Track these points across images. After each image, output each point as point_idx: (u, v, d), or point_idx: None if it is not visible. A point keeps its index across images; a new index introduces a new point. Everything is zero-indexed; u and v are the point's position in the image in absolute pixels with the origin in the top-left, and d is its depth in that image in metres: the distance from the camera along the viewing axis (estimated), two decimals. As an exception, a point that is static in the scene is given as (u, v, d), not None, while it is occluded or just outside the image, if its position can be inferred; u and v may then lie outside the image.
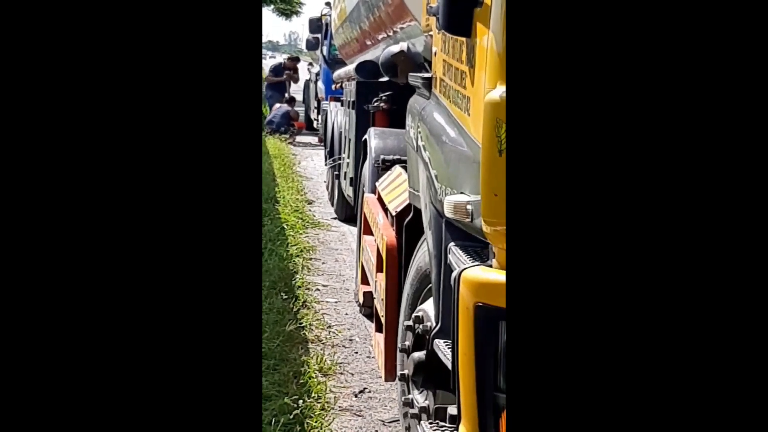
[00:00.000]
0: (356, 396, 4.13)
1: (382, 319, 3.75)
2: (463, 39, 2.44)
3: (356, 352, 4.75)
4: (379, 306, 3.92)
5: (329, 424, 3.76)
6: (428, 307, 2.82)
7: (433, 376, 2.63)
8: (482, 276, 2.11)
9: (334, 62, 12.81)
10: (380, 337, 3.83)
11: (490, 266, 2.17)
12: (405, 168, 3.71)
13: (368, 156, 5.42)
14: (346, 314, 5.43)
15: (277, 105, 15.91)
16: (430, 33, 3.14)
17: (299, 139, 15.24)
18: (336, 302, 5.69)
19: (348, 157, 7.18)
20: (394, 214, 3.73)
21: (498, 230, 2.06)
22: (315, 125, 17.05)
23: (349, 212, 7.97)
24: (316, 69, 17.80)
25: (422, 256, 3.08)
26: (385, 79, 5.29)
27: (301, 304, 5.40)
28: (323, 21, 14.72)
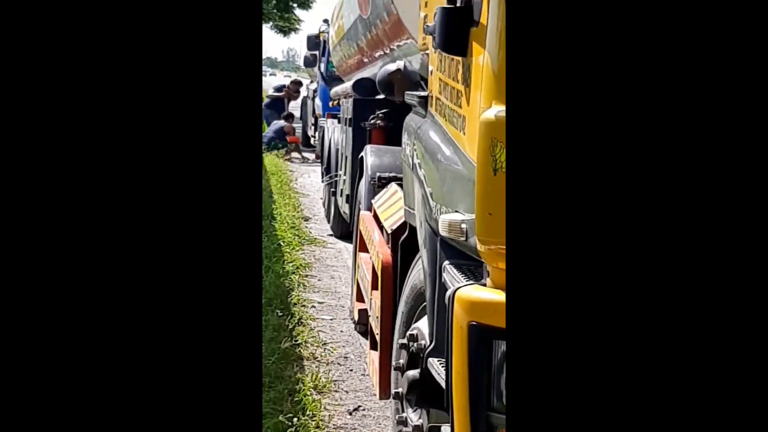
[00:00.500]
0: (350, 414, 4.12)
1: (377, 337, 3.74)
2: (459, 58, 2.45)
3: (351, 370, 4.73)
4: (374, 323, 3.91)
5: (323, 442, 3.75)
6: (423, 326, 2.81)
7: (427, 394, 2.62)
8: (476, 295, 2.11)
9: (331, 79, 12.83)
10: (375, 355, 3.82)
11: (485, 285, 2.16)
12: (401, 186, 3.72)
13: (364, 173, 5.43)
14: (342, 331, 5.42)
15: (275, 122, 15.95)
16: (427, 51, 3.15)
17: (295, 155, 15.24)
18: (331, 319, 5.68)
19: (344, 174, 7.19)
20: (389, 231, 3.73)
21: (492, 249, 2.06)
22: (312, 142, 17.05)
23: (345, 229, 7.96)
24: (313, 86, 17.85)
25: (417, 274, 3.08)
26: (382, 96, 5.31)
27: (296, 321, 5.39)
28: (321, 38, 14.75)
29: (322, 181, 9.84)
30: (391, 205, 4.02)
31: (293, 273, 6.63)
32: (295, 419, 3.81)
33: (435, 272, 2.57)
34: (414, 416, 2.91)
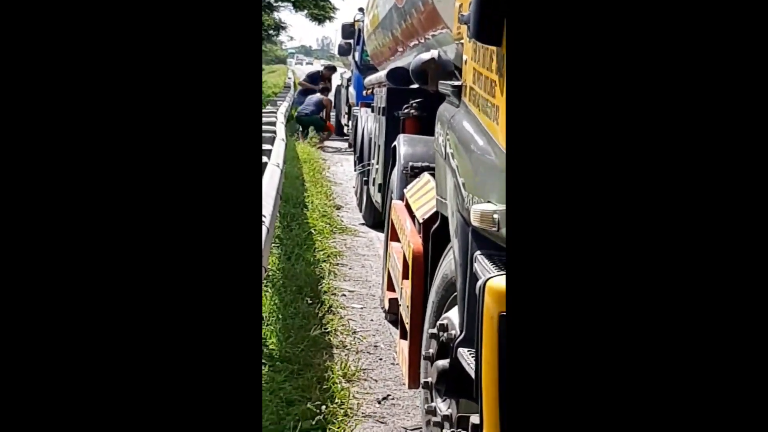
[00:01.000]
0: (379, 403, 4.13)
1: (407, 326, 3.74)
2: (494, 48, 2.44)
3: (380, 359, 4.74)
4: (404, 313, 3.92)
5: (352, 431, 3.76)
6: (453, 315, 2.81)
7: (457, 384, 2.62)
8: (507, 286, 2.10)
9: (365, 68, 12.82)
10: (404, 344, 3.82)
11: (516, 276, 2.16)
12: (433, 175, 3.71)
13: (397, 162, 5.42)
14: (372, 320, 5.43)
15: (310, 96, 15.86)
16: (462, 41, 3.13)
17: (328, 144, 15.26)
18: (362, 308, 5.69)
19: (377, 164, 7.19)
20: (421, 221, 3.72)
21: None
22: (345, 131, 17.07)
23: (377, 218, 7.97)
24: (347, 74, 17.86)
25: (448, 264, 3.07)
26: (416, 86, 5.30)
27: (326, 309, 5.40)
28: (356, 27, 14.73)
29: (355, 170, 9.86)
30: (423, 195, 4.01)
31: (324, 261, 6.65)
32: (324, 407, 3.82)
33: (466, 262, 2.57)
34: (443, 406, 2.91)
